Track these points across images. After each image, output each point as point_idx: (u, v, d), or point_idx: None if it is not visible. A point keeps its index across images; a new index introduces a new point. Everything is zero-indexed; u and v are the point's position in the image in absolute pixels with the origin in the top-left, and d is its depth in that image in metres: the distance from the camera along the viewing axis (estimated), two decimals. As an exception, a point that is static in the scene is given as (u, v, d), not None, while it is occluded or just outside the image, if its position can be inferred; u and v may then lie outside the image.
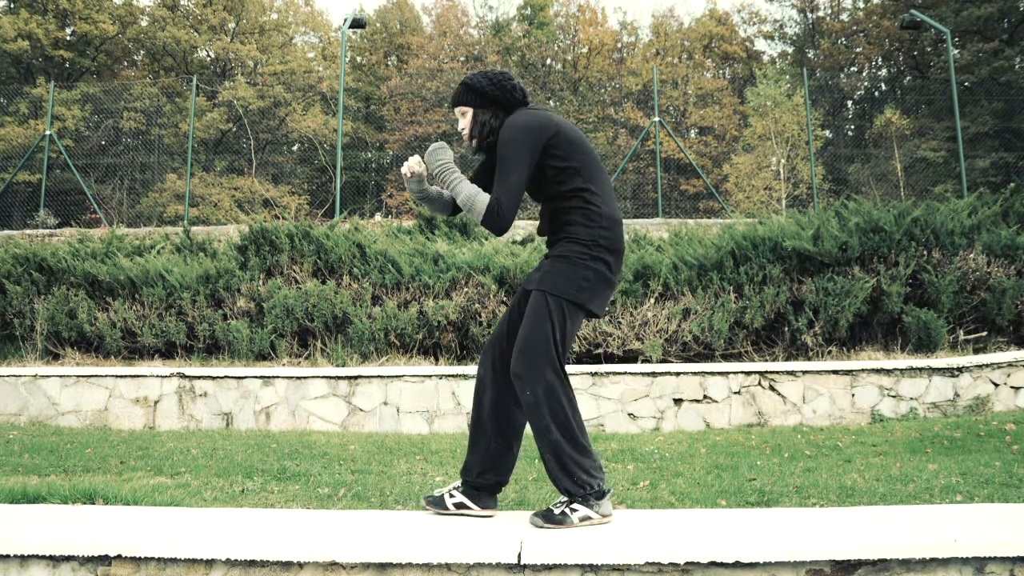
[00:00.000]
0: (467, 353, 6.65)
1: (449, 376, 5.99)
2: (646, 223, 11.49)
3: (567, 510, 2.47)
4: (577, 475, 2.50)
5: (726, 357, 6.44)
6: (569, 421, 2.51)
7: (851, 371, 5.85)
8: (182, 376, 6.18)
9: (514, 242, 8.21)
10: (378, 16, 31.78)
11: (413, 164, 2.69)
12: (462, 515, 2.65)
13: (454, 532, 2.41)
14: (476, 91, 2.62)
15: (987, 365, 5.88)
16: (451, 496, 2.68)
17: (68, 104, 22.37)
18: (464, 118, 2.65)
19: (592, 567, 2.18)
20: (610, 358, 6.39)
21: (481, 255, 6.86)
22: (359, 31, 25.75)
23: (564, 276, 2.52)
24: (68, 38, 25.85)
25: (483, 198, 2.52)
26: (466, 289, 6.63)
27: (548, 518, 2.46)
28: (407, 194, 2.57)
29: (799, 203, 18.30)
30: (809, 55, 29.14)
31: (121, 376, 6.26)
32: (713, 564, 2.16)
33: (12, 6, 25.08)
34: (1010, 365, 5.90)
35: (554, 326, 2.49)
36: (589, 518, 2.47)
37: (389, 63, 31.74)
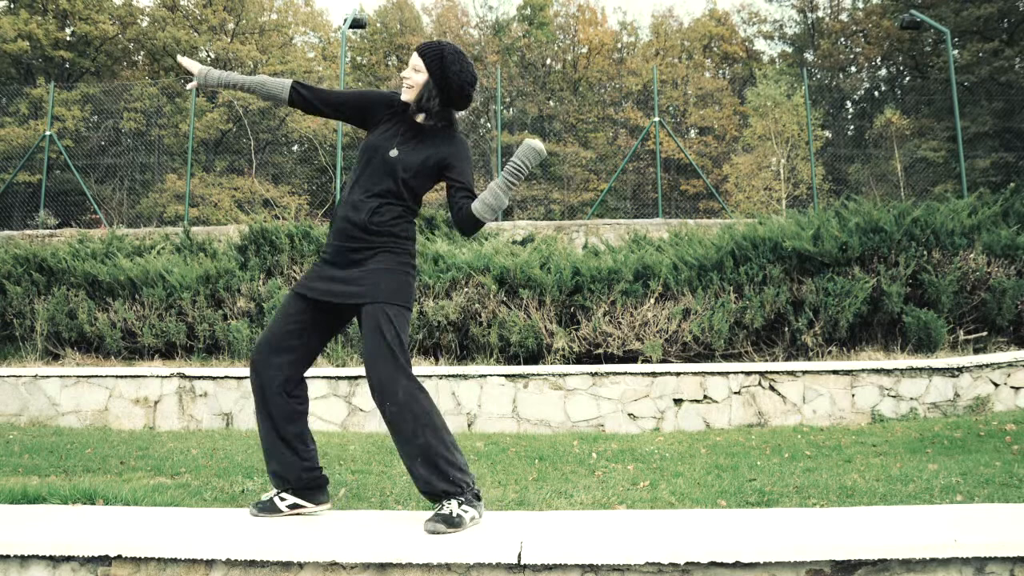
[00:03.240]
0: (467, 353, 6.65)
1: (449, 376, 5.99)
2: (646, 223, 11.49)
3: (460, 512, 2.44)
4: (453, 475, 2.50)
5: (726, 357, 6.44)
6: (434, 421, 2.53)
7: (851, 371, 5.85)
8: (182, 376, 6.18)
9: (514, 242, 8.22)
10: (378, 16, 31.78)
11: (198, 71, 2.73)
12: (298, 515, 2.68)
13: (454, 532, 2.41)
14: (444, 68, 2.58)
15: (987, 365, 5.88)
16: (282, 499, 2.68)
17: (68, 104, 22.36)
18: (417, 75, 2.60)
19: (592, 567, 2.18)
20: (610, 358, 6.39)
21: (481, 255, 6.86)
22: (359, 31, 25.76)
23: (397, 285, 2.60)
24: (68, 38, 25.85)
25: (490, 194, 2.60)
26: (466, 289, 6.63)
27: (449, 522, 2.41)
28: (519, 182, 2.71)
29: (799, 203, 18.30)
30: (809, 55, 29.15)
31: (121, 376, 6.26)
32: (713, 564, 2.16)
33: (12, 6, 25.08)
34: (1010, 365, 5.90)
35: (398, 333, 2.54)
36: (476, 518, 2.49)
37: (389, 63, 31.73)
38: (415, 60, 2.62)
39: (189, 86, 2.82)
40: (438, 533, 2.37)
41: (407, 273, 2.64)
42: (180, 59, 2.80)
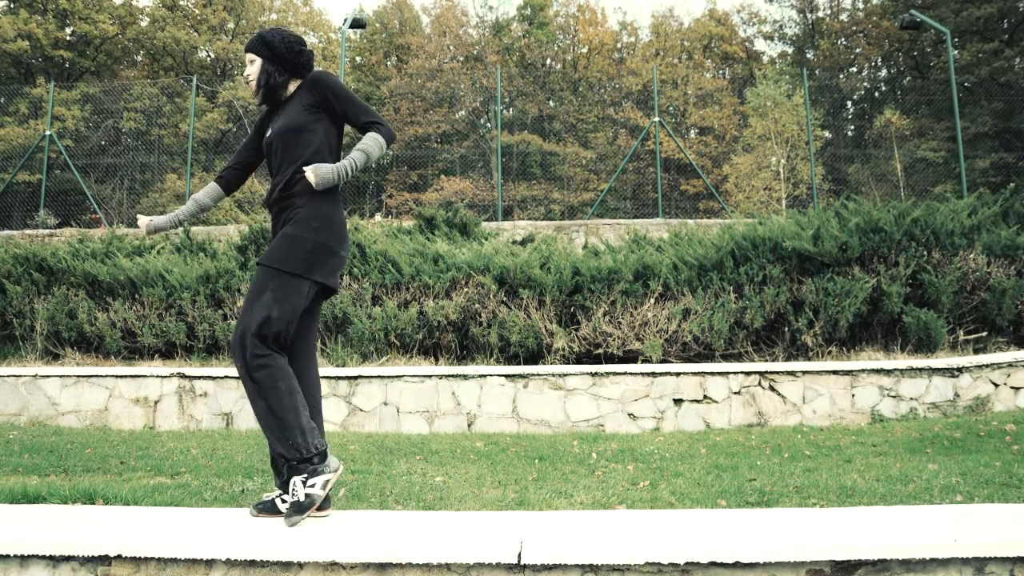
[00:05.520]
0: (467, 353, 6.65)
1: (449, 376, 5.99)
2: (646, 223, 11.49)
3: (308, 490, 2.54)
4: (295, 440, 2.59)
5: (726, 357, 6.44)
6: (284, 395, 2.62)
7: (851, 371, 5.85)
8: (182, 376, 6.18)
9: (514, 242, 8.21)
10: (378, 16, 31.78)
11: (144, 225, 2.92)
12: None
13: (454, 532, 2.41)
14: (268, 44, 2.81)
15: (987, 365, 5.88)
16: (283, 501, 2.70)
17: (68, 104, 22.36)
18: (252, 66, 2.83)
19: (592, 567, 2.18)
20: (610, 358, 6.39)
21: (481, 255, 6.86)
22: (359, 31, 25.75)
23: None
24: (68, 38, 25.85)
25: (370, 139, 2.69)
26: (466, 289, 6.63)
27: (298, 508, 2.52)
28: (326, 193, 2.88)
29: (799, 203, 18.30)
30: (809, 55, 29.15)
31: (121, 376, 6.26)
32: (713, 564, 2.16)
33: (12, 6, 25.07)
34: (1010, 365, 5.90)
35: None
36: (328, 480, 2.57)
37: (389, 63, 31.74)
38: (247, 59, 2.86)
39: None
40: (292, 524, 2.51)
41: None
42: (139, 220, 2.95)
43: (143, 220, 2.91)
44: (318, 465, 2.59)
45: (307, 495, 2.53)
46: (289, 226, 2.69)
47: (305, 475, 2.56)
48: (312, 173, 2.58)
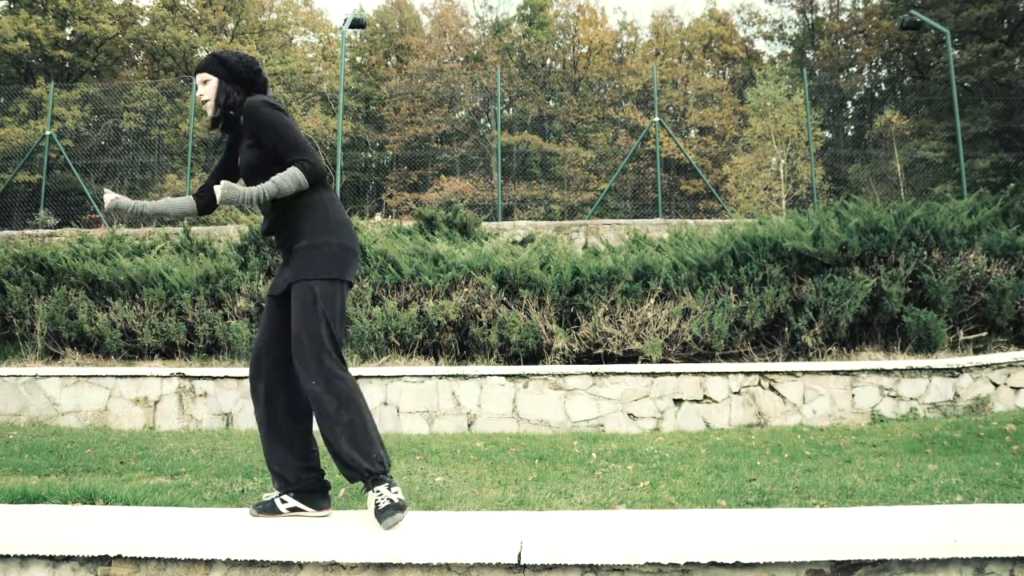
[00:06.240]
0: (467, 353, 6.65)
1: (449, 376, 5.99)
2: (646, 223, 11.50)
3: (378, 497, 2.51)
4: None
5: (726, 357, 6.44)
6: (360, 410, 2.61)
7: (851, 371, 5.85)
8: (182, 376, 6.18)
9: (514, 242, 8.22)
10: (378, 16, 31.78)
11: (108, 200, 2.82)
12: (297, 516, 2.70)
13: (454, 532, 2.41)
14: (223, 62, 2.73)
15: (987, 365, 5.88)
16: (283, 502, 2.70)
17: (68, 104, 22.37)
18: (206, 86, 2.74)
19: (592, 567, 2.18)
20: (610, 358, 6.39)
21: (481, 255, 6.86)
22: (359, 31, 25.76)
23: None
24: (68, 38, 25.86)
25: (288, 173, 2.58)
26: (466, 289, 6.63)
27: (381, 514, 2.48)
28: (251, 209, 2.88)
29: (799, 203, 18.31)
30: (809, 55, 29.16)
31: (121, 376, 6.26)
32: (713, 564, 2.16)
33: (12, 6, 25.07)
34: (1010, 365, 5.90)
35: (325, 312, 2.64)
36: (392, 499, 2.51)
37: (389, 63, 31.74)
38: (198, 79, 2.77)
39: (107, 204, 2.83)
40: (390, 523, 2.45)
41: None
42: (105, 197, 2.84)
43: (109, 195, 2.83)
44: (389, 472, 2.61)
45: (399, 498, 2.51)
46: (303, 240, 2.66)
47: (386, 483, 2.53)
48: (219, 190, 2.54)
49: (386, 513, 2.44)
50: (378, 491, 2.50)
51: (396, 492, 2.52)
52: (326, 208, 2.70)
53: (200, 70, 2.76)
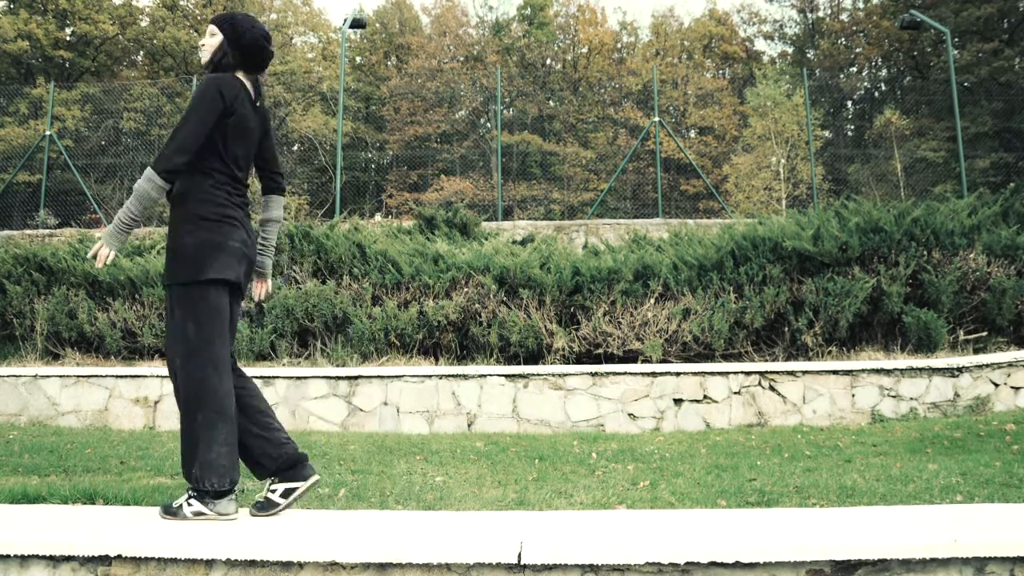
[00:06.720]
0: (467, 353, 6.65)
1: (449, 376, 5.99)
2: (646, 223, 11.50)
3: (184, 503, 2.61)
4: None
5: (726, 357, 6.44)
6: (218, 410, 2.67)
7: (851, 371, 5.85)
8: (182, 376, 6.17)
9: (514, 242, 8.21)
10: (378, 16, 31.78)
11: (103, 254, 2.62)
12: (295, 500, 2.74)
13: (454, 532, 2.41)
14: (235, 28, 2.71)
15: (987, 365, 5.88)
16: (273, 491, 2.73)
17: (68, 104, 22.36)
18: (212, 38, 2.73)
19: (592, 567, 2.18)
20: (610, 358, 6.39)
21: (481, 255, 6.86)
22: (359, 31, 25.76)
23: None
24: (68, 38, 25.85)
25: (142, 178, 2.54)
26: (466, 289, 6.63)
27: (166, 510, 2.63)
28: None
29: (799, 203, 18.30)
30: (809, 55, 29.16)
31: (121, 376, 6.26)
32: (713, 564, 2.16)
33: (12, 6, 25.07)
34: (1010, 365, 5.90)
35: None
36: (203, 514, 2.59)
37: (389, 63, 31.74)
38: (209, 29, 2.76)
39: (109, 258, 2.64)
40: (160, 517, 2.62)
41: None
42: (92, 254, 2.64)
43: (94, 249, 2.63)
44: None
45: (178, 506, 2.67)
46: (168, 240, 2.65)
47: (202, 502, 2.63)
48: (98, 245, 2.54)
49: (172, 510, 2.61)
50: (190, 502, 2.60)
51: (209, 507, 2.59)
52: (195, 202, 2.60)
53: (213, 22, 2.76)
